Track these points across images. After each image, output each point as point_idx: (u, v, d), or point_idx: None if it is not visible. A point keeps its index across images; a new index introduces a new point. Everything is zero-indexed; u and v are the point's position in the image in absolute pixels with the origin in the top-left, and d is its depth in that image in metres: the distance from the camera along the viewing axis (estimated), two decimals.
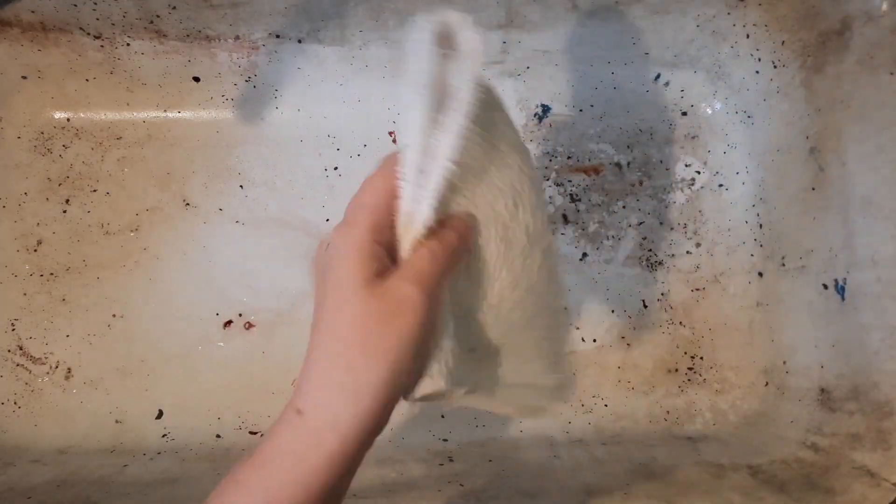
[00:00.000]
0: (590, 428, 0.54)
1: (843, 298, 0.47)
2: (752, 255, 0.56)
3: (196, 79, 0.56)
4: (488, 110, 0.26)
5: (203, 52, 0.54)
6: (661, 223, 0.57)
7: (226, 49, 0.54)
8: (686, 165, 0.57)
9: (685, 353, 0.55)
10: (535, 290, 0.30)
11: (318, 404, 0.25)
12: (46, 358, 0.55)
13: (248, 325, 0.56)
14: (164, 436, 0.54)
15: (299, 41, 0.53)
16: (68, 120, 0.57)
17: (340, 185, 0.57)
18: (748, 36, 0.52)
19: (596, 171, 0.57)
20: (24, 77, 0.56)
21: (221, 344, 0.55)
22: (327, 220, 0.57)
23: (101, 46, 0.53)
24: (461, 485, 0.45)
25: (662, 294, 0.56)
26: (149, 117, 0.58)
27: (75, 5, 0.49)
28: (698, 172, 0.57)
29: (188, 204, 0.57)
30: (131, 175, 0.57)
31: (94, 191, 0.57)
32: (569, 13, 0.50)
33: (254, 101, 0.57)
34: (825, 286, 0.49)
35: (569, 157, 0.57)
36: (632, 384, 0.55)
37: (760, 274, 0.55)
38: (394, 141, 0.58)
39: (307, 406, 0.25)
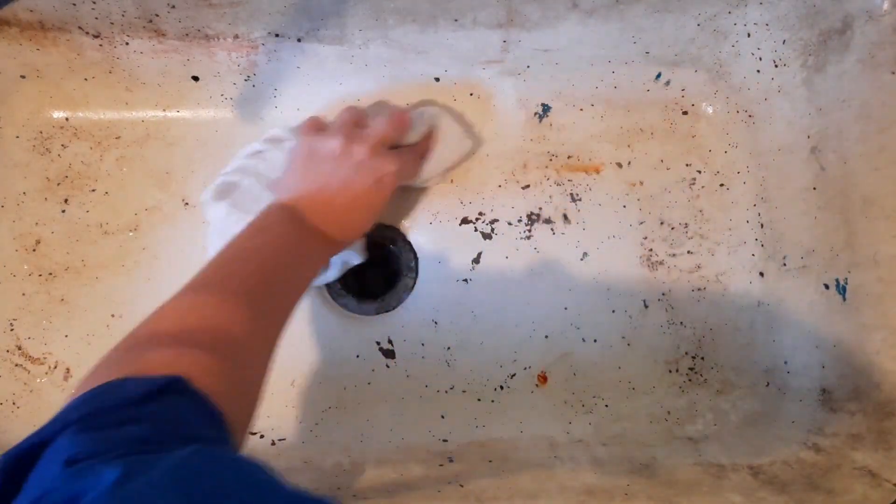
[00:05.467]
0: (590, 428, 0.54)
1: (844, 298, 0.47)
2: (753, 254, 0.55)
3: (195, 78, 0.56)
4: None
5: (202, 52, 0.54)
6: (661, 223, 0.56)
7: (225, 48, 0.53)
8: (687, 165, 0.57)
9: (686, 353, 0.55)
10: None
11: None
12: (45, 358, 0.55)
13: None
14: None
15: (299, 40, 0.53)
16: (67, 119, 0.57)
17: None
18: (749, 35, 0.52)
19: (596, 170, 0.57)
20: (23, 76, 0.55)
21: None
22: None
23: (100, 45, 0.53)
24: (461, 485, 0.45)
25: (663, 294, 0.56)
26: (148, 117, 0.57)
27: (74, 4, 0.49)
28: (699, 172, 0.57)
29: (188, 204, 0.57)
30: (130, 175, 0.57)
31: (93, 190, 0.57)
32: (569, 12, 0.50)
33: (253, 101, 0.57)
34: (826, 286, 0.49)
35: (569, 157, 0.57)
36: (632, 384, 0.55)
37: (762, 274, 0.55)
38: None
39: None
